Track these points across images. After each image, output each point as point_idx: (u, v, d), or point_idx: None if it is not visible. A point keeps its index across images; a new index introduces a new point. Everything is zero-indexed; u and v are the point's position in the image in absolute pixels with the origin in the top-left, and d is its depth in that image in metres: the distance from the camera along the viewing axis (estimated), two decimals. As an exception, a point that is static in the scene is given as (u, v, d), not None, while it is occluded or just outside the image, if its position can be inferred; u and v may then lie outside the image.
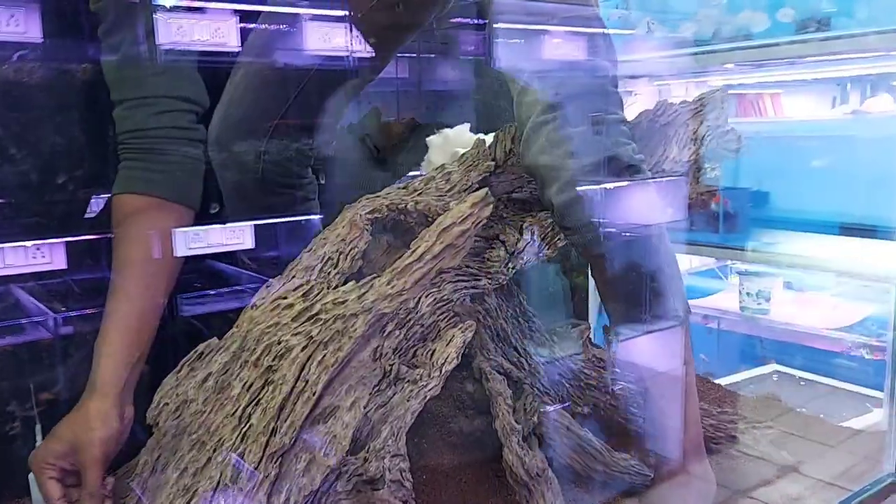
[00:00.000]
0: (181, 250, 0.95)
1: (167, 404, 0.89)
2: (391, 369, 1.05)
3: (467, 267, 1.16)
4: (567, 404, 1.23)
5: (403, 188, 1.13)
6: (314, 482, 0.81)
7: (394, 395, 1.04)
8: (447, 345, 1.08)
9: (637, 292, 1.00)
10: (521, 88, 0.98)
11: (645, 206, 0.98)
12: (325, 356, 0.84)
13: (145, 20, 0.91)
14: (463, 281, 1.15)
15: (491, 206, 0.93)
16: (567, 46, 0.98)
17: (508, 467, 1.07)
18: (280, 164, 1.13)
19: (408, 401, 1.03)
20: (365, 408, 1.03)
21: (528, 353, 1.25)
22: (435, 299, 1.12)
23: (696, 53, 2.02)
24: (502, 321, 1.21)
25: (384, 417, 1.02)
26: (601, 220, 0.97)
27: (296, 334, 0.86)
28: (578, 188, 0.96)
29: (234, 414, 0.85)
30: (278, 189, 1.15)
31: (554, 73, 0.95)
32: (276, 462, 0.81)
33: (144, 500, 0.82)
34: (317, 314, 0.87)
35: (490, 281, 1.17)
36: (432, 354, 1.07)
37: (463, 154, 1.18)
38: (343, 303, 0.86)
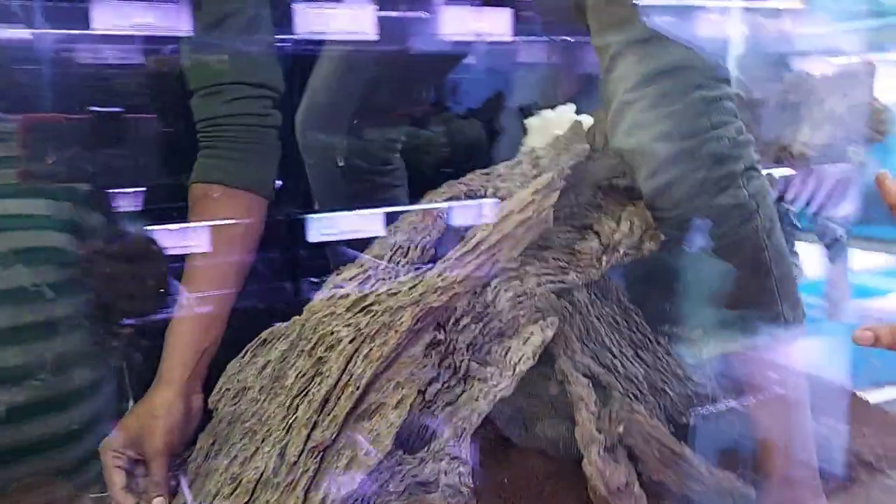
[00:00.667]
0: (314, 237, 0.94)
1: (228, 390, 0.89)
2: (461, 365, 1.00)
3: (555, 259, 1.08)
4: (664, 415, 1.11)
5: (487, 173, 1.06)
6: (354, 481, 0.78)
7: (462, 393, 0.99)
8: (524, 343, 1.01)
9: (735, 293, 0.87)
10: (608, 61, 0.88)
11: (747, 195, 0.84)
12: (371, 350, 0.80)
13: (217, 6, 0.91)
14: (548, 274, 1.07)
15: (556, 193, 0.84)
16: (664, 13, 0.86)
17: (589, 479, 0.98)
18: (364, 150, 1.10)
19: (475, 400, 0.97)
20: (431, 405, 0.99)
21: (624, 356, 1.14)
22: (515, 293, 1.04)
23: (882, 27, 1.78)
24: (594, 319, 1.11)
25: (449, 417, 0.96)
26: (697, 211, 0.85)
27: (347, 325, 0.82)
28: (670, 174, 0.85)
29: (284, 404, 0.83)
30: (363, 176, 1.12)
31: (647, 43, 0.84)
32: (316, 457, 0.78)
33: (185, 487, 0.82)
34: (369, 305, 0.83)
35: (580, 275, 1.08)
36: (507, 352, 1.00)
37: (557, 137, 1.09)
38: (395, 294, 0.81)
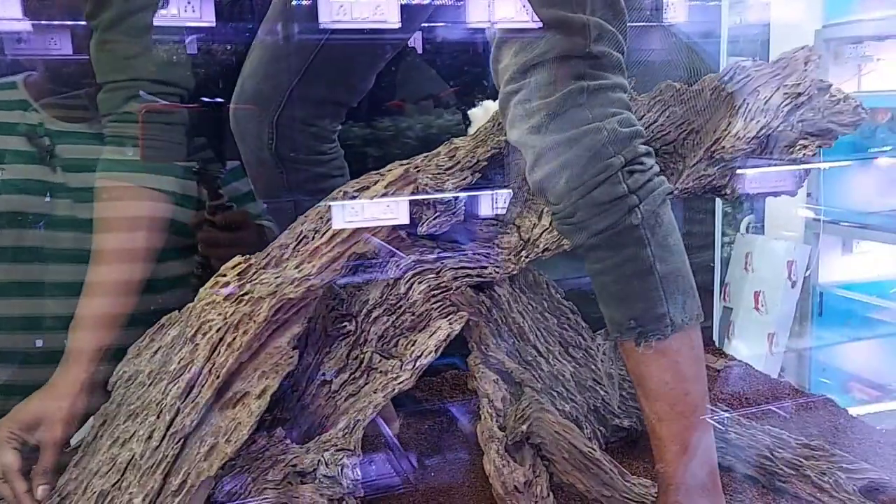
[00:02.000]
0: (338, 223, 0.95)
1: (125, 373, 0.91)
2: (364, 358, 1.00)
3: (473, 253, 1.06)
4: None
5: (405, 164, 1.05)
6: (212, 468, 0.79)
7: (365, 384, 0.99)
8: (430, 337, 1.00)
9: (618, 293, 0.84)
10: (493, 50, 0.86)
11: (625, 188, 0.81)
12: (234, 339, 0.80)
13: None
14: (466, 268, 1.05)
15: (412, 185, 0.82)
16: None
17: (488, 478, 0.96)
18: (293, 139, 1.10)
19: (374, 393, 0.96)
20: (335, 395, 1.00)
21: (551, 353, 1.12)
22: (429, 286, 1.03)
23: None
24: (516, 315, 1.09)
25: (348, 408, 0.96)
26: (579, 204, 0.82)
27: (220, 314, 0.83)
28: (548, 167, 0.82)
29: (162, 390, 0.84)
30: (293, 165, 1.12)
31: (524, 32, 0.81)
32: (177, 442, 0.79)
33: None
34: (242, 295, 0.83)
35: (498, 270, 1.06)
36: (412, 346, 0.99)
37: (478, 128, 1.07)
38: (259, 285, 0.82)
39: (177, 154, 1.04)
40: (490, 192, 1.07)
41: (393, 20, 0.92)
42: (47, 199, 1.16)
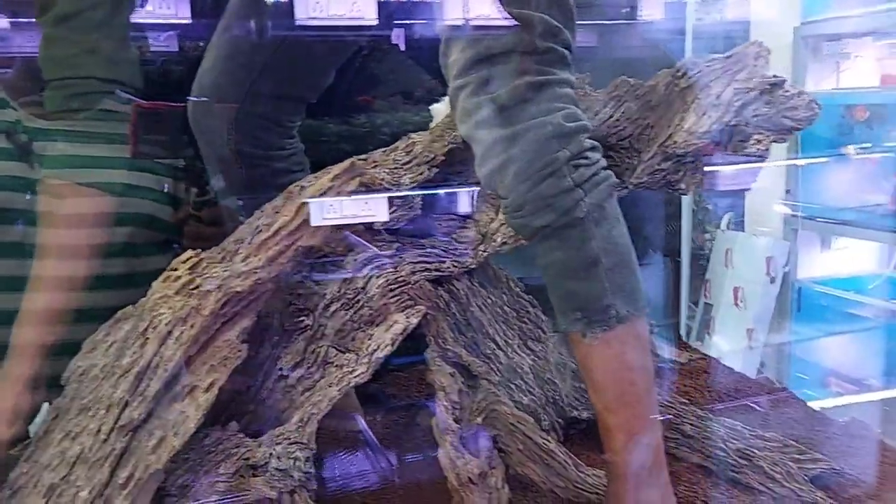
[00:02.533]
0: (316, 220, 0.96)
1: (79, 366, 0.92)
2: (321, 352, 1.01)
3: (432, 247, 1.07)
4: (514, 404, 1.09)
5: (364, 159, 1.06)
6: (160, 461, 0.79)
7: (321, 378, 0.99)
8: (386, 331, 1.00)
9: (565, 285, 0.85)
10: (442, 45, 0.86)
11: (569, 183, 0.82)
12: (182, 332, 0.81)
13: None
14: (424, 262, 1.06)
15: (358, 178, 0.83)
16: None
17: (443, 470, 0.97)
18: (252, 134, 1.11)
19: (329, 386, 0.97)
20: (292, 389, 1.00)
21: (509, 347, 1.13)
22: (387, 280, 1.04)
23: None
24: (475, 308, 1.10)
25: (303, 402, 0.97)
26: (527, 198, 0.83)
27: (170, 308, 0.84)
28: (495, 161, 0.83)
29: (114, 384, 0.85)
30: (253, 160, 1.13)
31: (471, 29, 0.82)
32: (125, 436, 0.80)
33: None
34: (193, 289, 0.84)
35: (456, 264, 1.07)
36: (369, 339, 1.00)
37: (436, 124, 1.08)
38: (207, 278, 0.82)
39: (161, 152, 1.05)
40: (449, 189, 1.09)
41: (370, 17, 0.93)
42: (27, 196, 1.17)
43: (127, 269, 1.21)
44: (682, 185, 1.07)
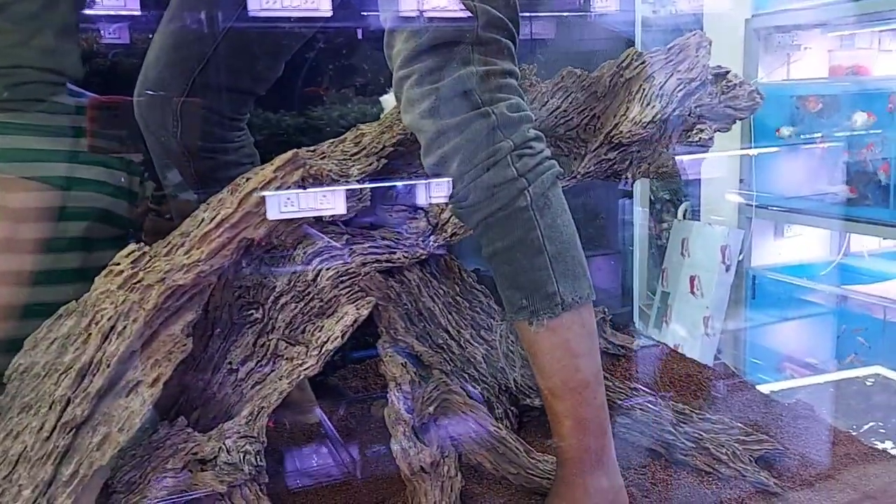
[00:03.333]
0: (272, 214, 0.95)
1: (21, 364, 0.90)
2: (271, 345, 1.00)
3: (382, 238, 1.07)
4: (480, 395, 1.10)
5: (312, 150, 1.05)
6: (105, 457, 0.79)
7: (271, 372, 0.99)
8: (336, 322, 1.00)
9: (511, 273, 0.86)
10: (386, 36, 0.87)
11: (511, 172, 0.82)
12: (125, 327, 0.80)
13: None
14: (375, 253, 1.06)
15: (301, 170, 0.83)
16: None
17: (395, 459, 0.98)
18: (198, 127, 1.10)
19: (279, 380, 0.97)
20: (242, 383, 1.00)
21: (462, 337, 1.13)
22: (337, 272, 1.04)
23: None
24: (427, 299, 1.10)
25: (253, 395, 0.97)
26: (470, 188, 0.84)
27: (112, 303, 0.83)
28: (439, 151, 0.83)
29: (55, 381, 0.84)
30: (200, 154, 1.12)
31: (412, 19, 0.82)
32: (69, 433, 0.79)
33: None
34: (136, 283, 0.83)
35: (407, 255, 1.07)
36: (319, 332, 1.00)
37: (385, 114, 1.08)
38: (152, 272, 0.81)
39: (119, 146, 1.03)
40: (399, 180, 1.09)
41: (325, 8, 0.93)
42: None
43: (82, 263, 1.19)
44: (629, 174, 1.09)
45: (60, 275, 1.08)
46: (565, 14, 1.80)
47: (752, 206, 2.14)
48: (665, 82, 1.03)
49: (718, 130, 1.12)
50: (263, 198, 0.81)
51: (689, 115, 1.08)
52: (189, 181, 1.17)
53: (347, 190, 1.02)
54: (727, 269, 2.15)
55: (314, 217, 1.01)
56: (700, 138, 1.07)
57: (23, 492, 0.77)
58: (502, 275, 0.87)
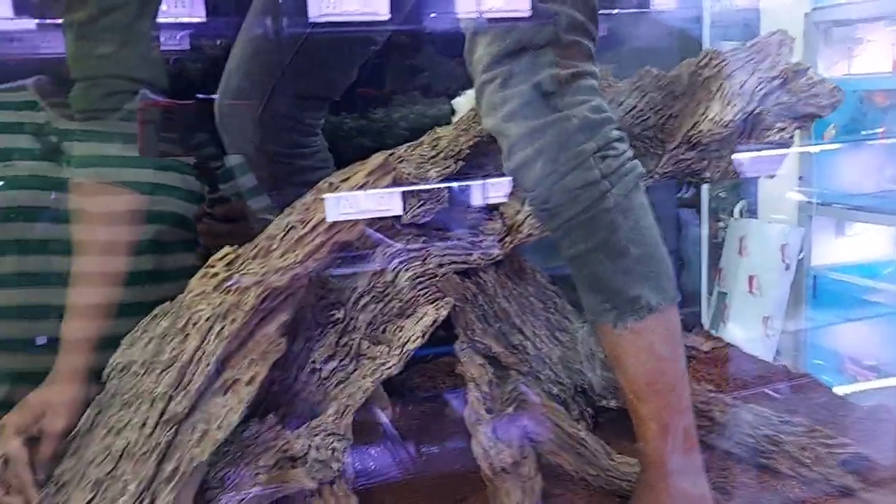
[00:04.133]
0: (332, 216, 0.97)
1: (119, 363, 0.93)
2: (353, 344, 1.02)
3: (459, 240, 1.08)
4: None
5: (390, 154, 1.07)
6: (204, 454, 0.81)
7: (354, 370, 1.01)
8: (416, 323, 1.02)
9: (593, 276, 0.86)
10: (468, 40, 0.88)
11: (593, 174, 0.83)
12: (223, 328, 0.82)
13: None
14: (451, 255, 1.07)
15: (392, 174, 0.84)
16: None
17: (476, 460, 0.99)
18: (277, 133, 1.13)
19: (363, 378, 0.99)
20: (326, 382, 1.02)
21: (537, 337, 1.14)
22: (415, 273, 1.06)
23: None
24: (502, 300, 1.11)
25: (337, 394, 0.99)
26: (553, 190, 0.84)
27: (209, 304, 0.85)
28: (521, 155, 0.84)
29: (155, 379, 0.87)
30: (278, 158, 1.15)
31: (496, 22, 0.83)
32: (170, 429, 0.82)
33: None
34: (231, 285, 0.86)
35: (483, 256, 1.08)
36: (400, 332, 1.02)
37: (461, 118, 1.09)
38: (245, 275, 0.84)
39: (172, 150, 1.07)
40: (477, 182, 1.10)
41: (382, 13, 0.94)
42: (53, 195, 1.19)
43: (155, 266, 1.23)
44: (707, 174, 1.08)
45: (137, 277, 1.11)
46: (624, 12, 1.79)
47: (812, 203, 2.10)
48: (746, 81, 1.02)
49: (798, 128, 1.10)
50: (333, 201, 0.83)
51: (768, 113, 1.07)
52: (266, 186, 1.20)
53: (425, 192, 1.04)
54: (787, 269, 2.12)
55: (393, 220, 1.03)
56: (780, 136, 1.06)
57: (128, 486, 0.80)
58: (584, 277, 0.87)
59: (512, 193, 1.08)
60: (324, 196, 0.89)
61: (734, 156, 1.06)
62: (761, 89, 1.02)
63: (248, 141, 1.13)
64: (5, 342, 1.22)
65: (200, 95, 1.17)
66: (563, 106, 0.82)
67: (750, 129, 1.06)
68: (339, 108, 1.58)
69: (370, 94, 1.61)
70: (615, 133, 0.85)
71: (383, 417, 1.27)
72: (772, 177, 1.12)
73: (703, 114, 1.03)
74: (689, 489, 0.89)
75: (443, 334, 1.06)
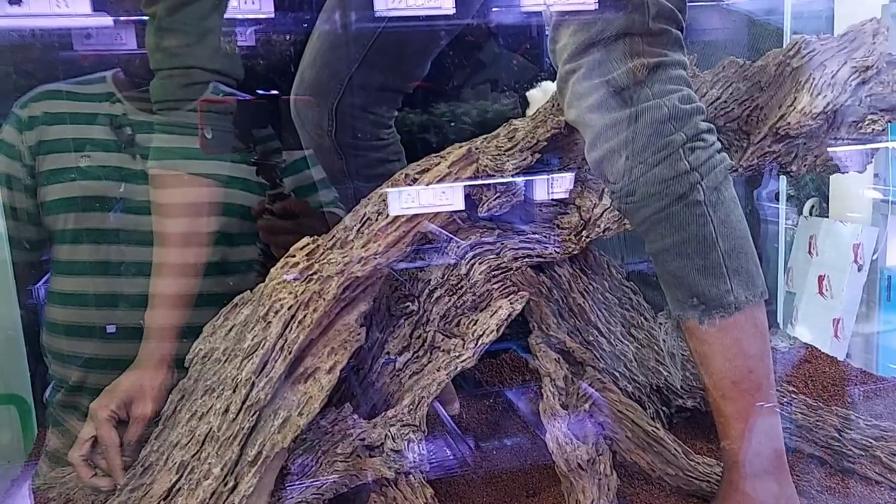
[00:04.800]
0: (394, 210, 0.99)
1: (201, 350, 0.95)
2: (427, 337, 1.02)
3: (534, 233, 1.07)
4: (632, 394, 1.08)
5: (468, 145, 1.06)
6: (285, 440, 0.82)
7: (429, 363, 1.01)
8: (491, 316, 1.01)
9: (680, 271, 0.83)
10: (552, 31, 0.86)
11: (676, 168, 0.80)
12: (305, 316, 0.83)
13: None
14: (526, 248, 1.06)
15: (474, 165, 0.83)
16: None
17: (552, 455, 0.97)
18: (352, 126, 1.13)
19: (437, 371, 0.98)
20: (400, 373, 1.02)
21: (612, 334, 1.12)
22: (490, 266, 1.05)
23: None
24: (577, 294, 1.09)
25: (412, 385, 0.99)
26: (639, 182, 0.82)
27: (290, 293, 0.86)
28: (607, 145, 0.82)
29: (237, 366, 0.88)
30: (352, 151, 1.15)
31: (579, 13, 0.81)
32: (253, 415, 0.83)
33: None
34: (312, 274, 0.86)
35: (558, 250, 1.07)
36: (473, 325, 1.01)
37: (537, 109, 1.07)
38: (327, 264, 0.84)
39: (233, 145, 1.08)
40: (547, 176, 1.08)
41: (448, 6, 0.94)
42: (125, 185, 1.23)
43: (223, 257, 1.25)
44: (794, 168, 1.05)
45: (209, 267, 1.13)
46: (700, 4, 1.75)
47: (888, 201, 2.02)
48: (837, 71, 0.98)
49: (890, 121, 1.06)
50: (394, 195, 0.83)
51: (859, 104, 1.02)
52: (339, 178, 1.21)
53: (501, 185, 1.03)
54: (860, 269, 2.04)
55: (467, 213, 1.02)
56: (872, 129, 1.01)
57: (213, 469, 0.81)
58: (670, 272, 0.85)
59: (589, 187, 1.07)
60: (403, 188, 0.89)
61: (826, 149, 1.02)
62: (854, 79, 0.98)
63: (324, 134, 1.13)
64: (79, 328, 1.26)
65: (261, 91, 1.19)
66: (652, 95, 0.80)
67: (840, 122, 1.02)
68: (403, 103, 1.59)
69: (433, 89, 1.60)
70: (704, 124, 0.83)
71: (452, 410, 1.27)
72: (861, 172, 1.08)
73: (790, 105, 1.00)
74: (775, 491, 0.86)
75: (506, 331, 1.06)
